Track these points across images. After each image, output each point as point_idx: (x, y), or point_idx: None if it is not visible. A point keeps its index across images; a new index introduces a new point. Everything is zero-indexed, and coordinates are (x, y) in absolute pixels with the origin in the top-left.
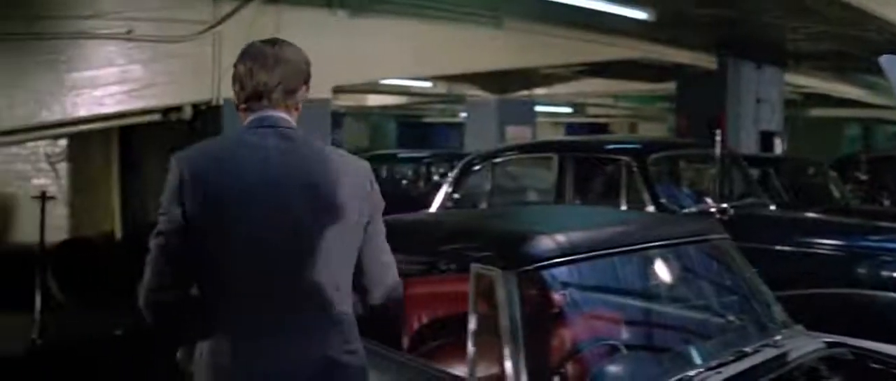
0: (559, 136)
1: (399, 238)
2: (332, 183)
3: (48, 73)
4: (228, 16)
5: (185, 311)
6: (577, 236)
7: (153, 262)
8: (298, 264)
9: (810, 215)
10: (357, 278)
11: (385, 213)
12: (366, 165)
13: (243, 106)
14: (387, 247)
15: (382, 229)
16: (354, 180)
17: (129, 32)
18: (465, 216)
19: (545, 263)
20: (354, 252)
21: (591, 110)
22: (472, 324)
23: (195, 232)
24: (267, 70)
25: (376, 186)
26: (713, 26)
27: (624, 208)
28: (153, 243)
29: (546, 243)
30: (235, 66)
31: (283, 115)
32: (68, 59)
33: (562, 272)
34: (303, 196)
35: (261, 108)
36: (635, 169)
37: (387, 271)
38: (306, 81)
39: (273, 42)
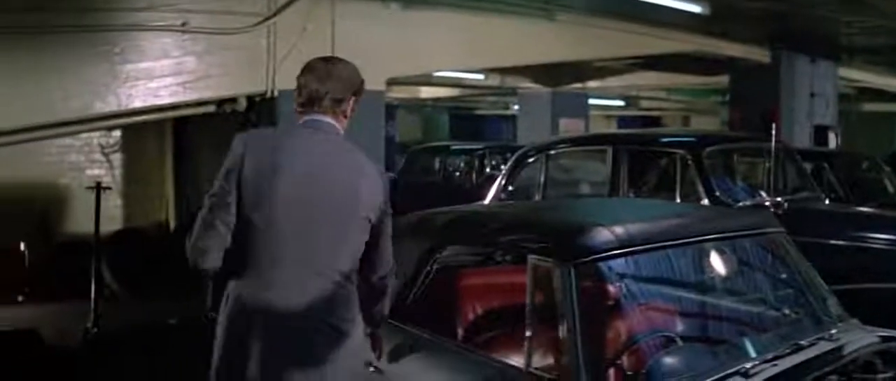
0: (612, 129)
1: (456, 229)
2: (352, 184)
3: (102, 64)
4: (283, 7)
5: (223, 259)
6: (633, 228)
7: (203, 216)
8: (308, 241)
9: (864, 209)
10: (362, 264)
11: (440, 204)
12: (384, 176)
13: (300, 109)
14: (389, 245)
15: (389, 232)
16: (371, 188)
17: (183, 24)
18: (522, 208)
19: (602, 255)
20: (358, 244)
21: (644, 104)
22: (528, 315)
23: (241, 198)
24: (319, 81)
25: (388, 199)
26: (766, 20)
27: (678, 201)
28: (207, 201)
29: (603, 235)
30: (297, 77)
31: (329, 119)
32: (122, 51)
33: (618, 264)
34: (325, 188)
35: (312, 111)
36: (690, 162)
37: (386, 262)
38: (356, 94)
39: (328, 59)
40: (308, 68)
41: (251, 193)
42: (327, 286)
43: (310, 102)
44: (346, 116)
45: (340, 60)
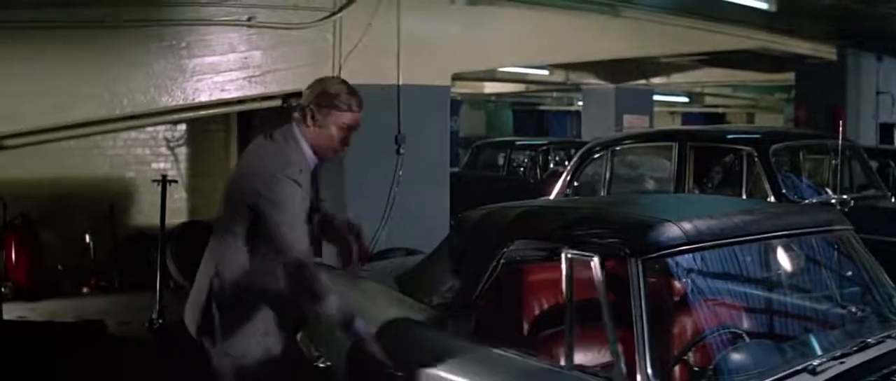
0: (676, 125)
1: (523, 224)
2: (242, 177)
3: (169, 59)
4: (349, 3)
5: None
6: (701, 224)
7: None
8: (224, 211)
9: None
10: None
11: (503, 199)
12: (267, 176)
13: None
14: (275, 230)
15: (268, 217)
16: (251, 179)
17: (249, 19)
18: (588, 204)
19: (670, 250)
20: (240, 221)
21: (708, 100)
22: (595, 311)
23: None
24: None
25: (268, 193)
26: (833, 17)
27: (744, 197)
28: None
29: (671, 231)
30: None
31: (294, 126)
32: (189, 46)
33: (686, 260)
34: (235, 178)
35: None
36: (756, 159)
37: (277, 241)
38: (319, 101)
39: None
40: None
41: None
42: (227, 240)
43: None
44: (312, 121)
45: (326, 78)
